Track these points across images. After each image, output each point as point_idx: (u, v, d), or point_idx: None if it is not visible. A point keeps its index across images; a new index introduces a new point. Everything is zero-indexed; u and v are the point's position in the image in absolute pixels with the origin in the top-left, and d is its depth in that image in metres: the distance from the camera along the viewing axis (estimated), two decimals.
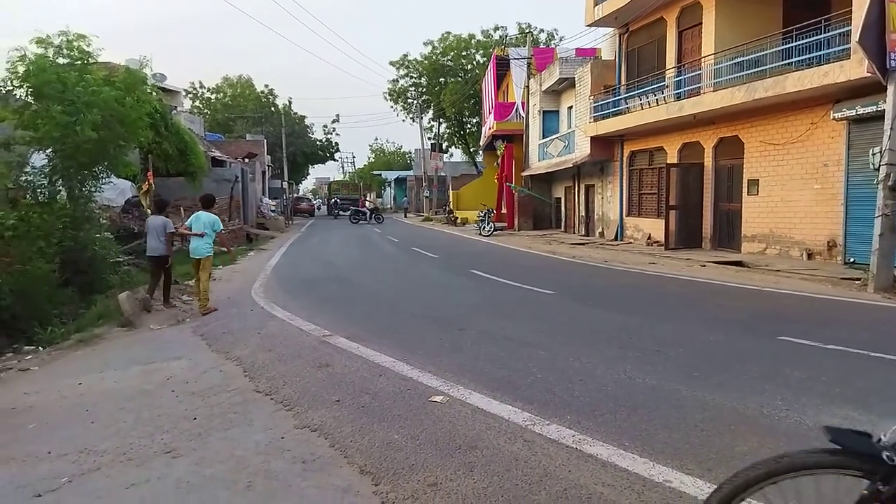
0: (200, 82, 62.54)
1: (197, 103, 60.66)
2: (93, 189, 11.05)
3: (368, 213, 38.82)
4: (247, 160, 37.40)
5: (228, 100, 61.87)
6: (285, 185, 52.56)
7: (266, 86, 64.70)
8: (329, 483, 3.56)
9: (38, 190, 10.29)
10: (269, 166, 49.27)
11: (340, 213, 47.51)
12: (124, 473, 3.83)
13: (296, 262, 16.67)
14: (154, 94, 16.12)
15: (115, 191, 16.26)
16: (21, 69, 9.99)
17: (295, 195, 63.11)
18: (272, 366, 6.10)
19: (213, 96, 62.69)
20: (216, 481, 3.66)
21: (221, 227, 10.21)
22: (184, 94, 47.17)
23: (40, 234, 9.24)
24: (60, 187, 10.53)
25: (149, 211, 16.44)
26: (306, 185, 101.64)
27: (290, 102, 64.34)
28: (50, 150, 10.25)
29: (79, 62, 10.48)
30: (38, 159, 10.59)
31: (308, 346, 6.85)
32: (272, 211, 37.20)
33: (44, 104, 10.06)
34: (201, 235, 9.68)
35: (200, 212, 10.00)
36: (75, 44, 10.45)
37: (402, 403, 4.80)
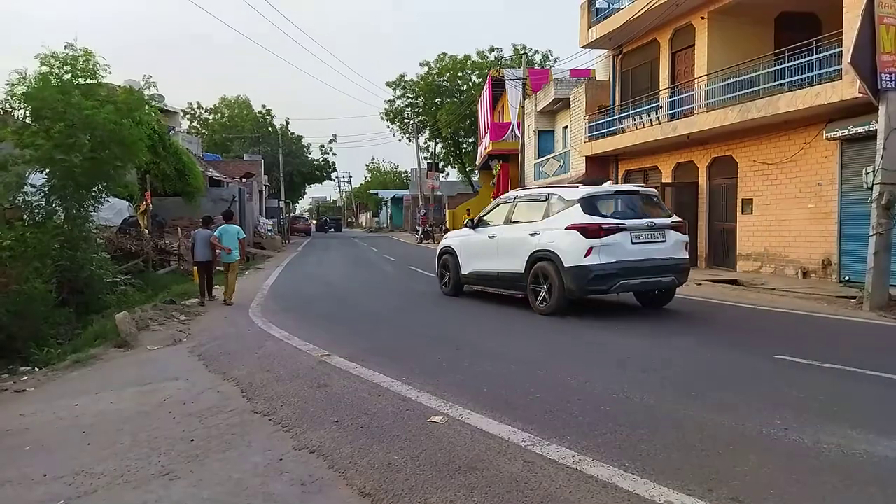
0: (198, 103, 63.06)
1: (195, 123, 60.99)
2: (90, 209, 11.05)
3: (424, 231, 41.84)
4: (244, 180, 37.52)
5: (226, 120, 62.22)
6: (282, 204, 52.68)
7: (263, 106, 65.02)
8: None
9: (36, 210, 10.30)
10: (266, 186, 49.41)
11: (329, 229, 62.76)
12: (121, 496, 3.80)
13: (293, 282, 16.65)
14: (153, 114, 16.22)
15: (112, 210, 16.28)
16: (20, 90, 10.05)
17: (292, 214, 63.24)
18: (270, 386, 6.08)
19: (210, 117, 63.05)
20: None
21: (244, 235, 13.17)
22: (182, 114, 47.43)
23: (37, 254, 9.23)
24: (58, 207, 10.53)
25: (146, 231, 16.59)
26: (303, 205, 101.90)
27: (287, 123, 64.69)
28: (48, 169, 10.27)
29: (81, 79, 10.55)
30: (37, 179, 10.61)
31: (306, 366, 6.82)
32: (269, 230, 37.23)
33: (43, 124, 10.11)
34: (228, 251, 12.23)
35: (226, 225, 12.62)
36: (80, 59, 10.52)
37: (401, 424, 4.78)
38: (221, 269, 13.48)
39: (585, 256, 9.19)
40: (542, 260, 9.80)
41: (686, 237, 10.21)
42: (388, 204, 73.07)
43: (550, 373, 6.24)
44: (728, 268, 16.13)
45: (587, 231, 9.23)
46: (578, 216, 9.45)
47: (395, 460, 4.06)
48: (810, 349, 7.04)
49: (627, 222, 9.46)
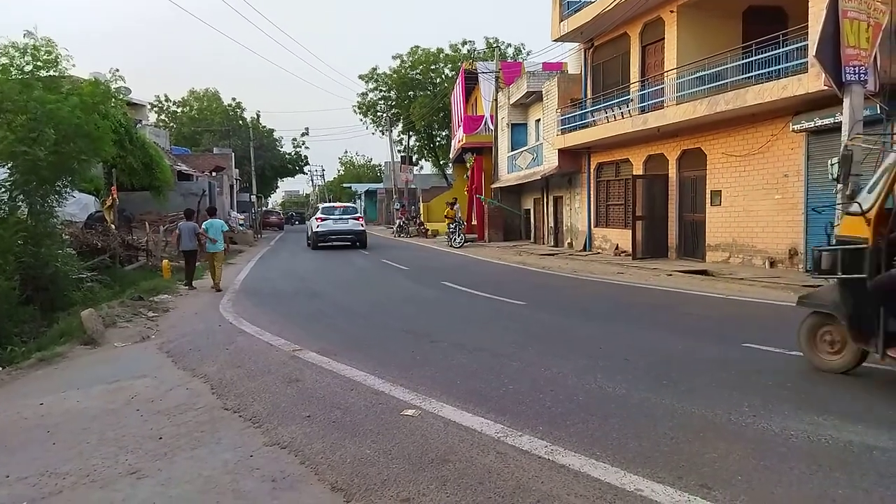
0: (166, 95, 61.73)
1: (163, 117, 59.80)
2: (55, 204, 10.77)
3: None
4: (214, 174, 36.98)
5: (195, 113, 61.05)
6: (254, 198, 52.05)
7: (233, 99, 63.94)
8: (299, 501, 3.51)
9: None
10: (237, 180, 48.77)
11: (296, 222, 68.55)
12: (87, 496, 3.72)
13: (265, 276, 16.48)
14: (120, 108, 15.87)
15: (77, 206, 15.92)
16: None
17: (264, 209, 62.48)
18: (241, 382, 6.00)
19: (179, 110, 61.84)
20: (183, 502, 3.58)
21: (227, 228, 14.97)
22: (149, 107, 46.52)
23: None
24: (21, 202, 10.25)
25: (112, 226, 16.25)
26: (275, 199, 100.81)
27: (258, 116, 63.60)
28: (10, 164, 9.99)
29: (44, 70, 10.25)
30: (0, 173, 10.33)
31: (278, 362, 6.76)
32: (241, 225, 36.75)
33: (4, 117, 9.82)
34: (214, 242, 13.49)
35: (212, 219, 14.05)
36: (42, 49, 10.22)
37: (373, 418, 4.76)
38: (201, 261, 14.53)
39: (316, 228, 25.54)
40: (311, 230, 26.59)
41: (360, 221, 26.47)
42: (362, 197, 72.61)
43: (524, 364, 6.27)
44: (697, 258, 16.35)
45: (317, 220, 26.20)
46: (319, 213, 26.68)
47: (367, 454, 4.04)
48: (778, 337, 7.16)
49: (332, 216, 25.79)
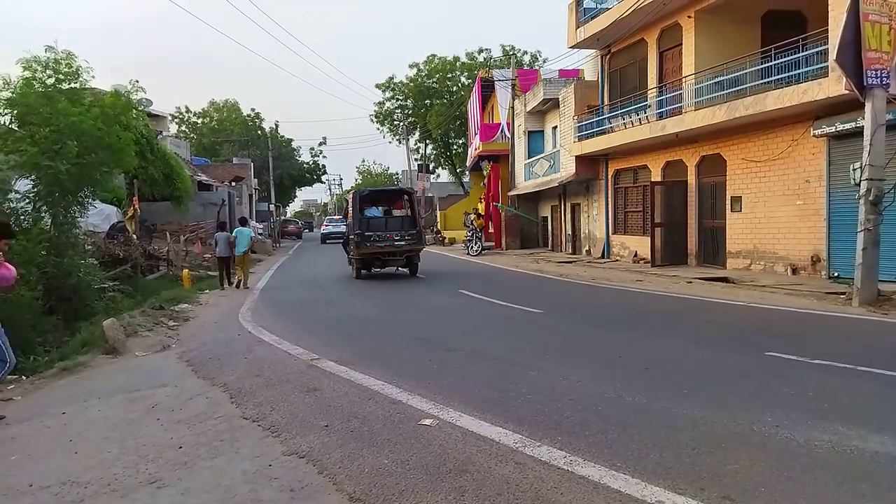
0: (186, 107, 62.47)
1: (183, 128, 60.54)
2: (77, 215, 10.93)
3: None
4: (233, 184, 37.34)
5: (215, 124, 61.73)
6: (272, 207, 52.45)
7: (252, 109, 64.54)
8: None
9: (22, 216, 10.19)
10: (256, 189, 49.19)
11: (307, 230, 72.01)
12: None
13: (283, 285, 16.59)
14: (141, 119, 16.11)
15: (99, 216, 16.18)
16: (4, 95, 9.94)
17: (282, 218, 62.92)
18: (259, 391, 6.03)
19: (199, 120, 62.58)
20: None
21: (253, 234, 17.71)
22: (170, 118, 47.16)
23: (22, 260, 9.10)
24: (44, 213, 10.42)
25: (134, 236, 16.49)
26: (294, 208, 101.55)
27: (276, 126, 64.14)
28: (34, 175, 10.16)
29: (65, 83, 10.44)
30: (22, 185, 10.50)
31: (296, 371, 6.78)
32: (259, 234, 37.03)
33: (28, 129, 9.99)
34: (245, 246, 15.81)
35: (241, 228, 16.31)
36: (62, 62, 10.40)
37: (391, 427, 4.75)
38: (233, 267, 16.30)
39: (322, 231, 48.95)
40: (320, 233, 51.75)
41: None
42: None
43: (541, 373, 6.23)
44: (718, 265, 16.17)
45: (322, 226, 53.25)
46: (324, 222, 54.19)
47: (385, 464, 4.03)
48: (800, 346, 7.06)
49: (331, 224, 47.01)
